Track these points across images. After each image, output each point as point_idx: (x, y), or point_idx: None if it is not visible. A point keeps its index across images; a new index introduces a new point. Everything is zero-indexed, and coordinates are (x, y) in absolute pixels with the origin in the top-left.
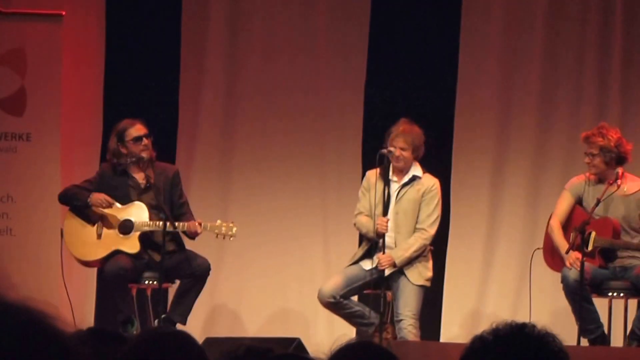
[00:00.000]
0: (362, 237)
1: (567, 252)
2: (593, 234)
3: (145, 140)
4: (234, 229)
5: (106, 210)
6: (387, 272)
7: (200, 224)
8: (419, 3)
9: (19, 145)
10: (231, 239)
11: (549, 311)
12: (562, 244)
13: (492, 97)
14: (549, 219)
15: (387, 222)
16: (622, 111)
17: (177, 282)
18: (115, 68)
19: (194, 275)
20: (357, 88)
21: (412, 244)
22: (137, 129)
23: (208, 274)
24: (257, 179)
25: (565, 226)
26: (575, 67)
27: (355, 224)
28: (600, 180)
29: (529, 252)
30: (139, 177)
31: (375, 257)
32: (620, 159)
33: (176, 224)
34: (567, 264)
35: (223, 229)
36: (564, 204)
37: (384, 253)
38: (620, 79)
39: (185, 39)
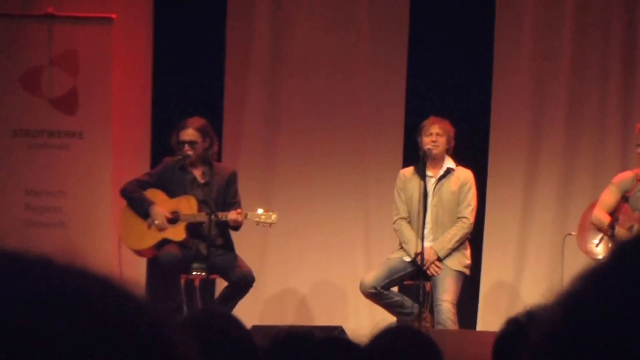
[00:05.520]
0: None
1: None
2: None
3: (187, 147)
4: (273, 216)
5: (158, 201)
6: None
7: (240, 213)
8: (455, 15)
9: (72, 143)
10: (271, 226)
11: None
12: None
13: (526, 93)
14: (591, 209)
15: (440, 269)
16: None
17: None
18: (163, 69)
19: (238, 285)
20: (398, 96)
21: (454, 234)
22: (185, 134)
23: (251, 286)
24: (301, 173)
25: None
26: (601, 70)
27: (395, 230)
28: None
29: (561, 239)
30: (197, 173)
31: (416, 255)
32: None
33: (218, 214)
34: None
35: (263, 217)
36: (611, 198)
37: (422, 248)
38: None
39: (230, 44)
